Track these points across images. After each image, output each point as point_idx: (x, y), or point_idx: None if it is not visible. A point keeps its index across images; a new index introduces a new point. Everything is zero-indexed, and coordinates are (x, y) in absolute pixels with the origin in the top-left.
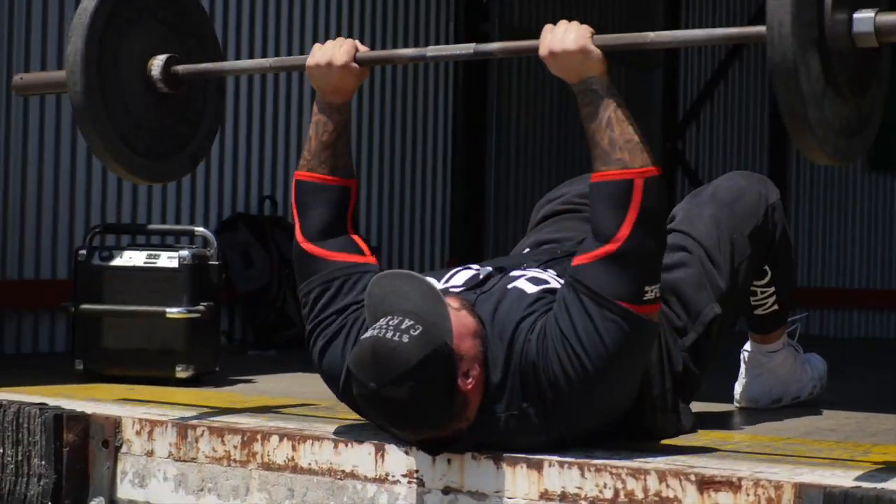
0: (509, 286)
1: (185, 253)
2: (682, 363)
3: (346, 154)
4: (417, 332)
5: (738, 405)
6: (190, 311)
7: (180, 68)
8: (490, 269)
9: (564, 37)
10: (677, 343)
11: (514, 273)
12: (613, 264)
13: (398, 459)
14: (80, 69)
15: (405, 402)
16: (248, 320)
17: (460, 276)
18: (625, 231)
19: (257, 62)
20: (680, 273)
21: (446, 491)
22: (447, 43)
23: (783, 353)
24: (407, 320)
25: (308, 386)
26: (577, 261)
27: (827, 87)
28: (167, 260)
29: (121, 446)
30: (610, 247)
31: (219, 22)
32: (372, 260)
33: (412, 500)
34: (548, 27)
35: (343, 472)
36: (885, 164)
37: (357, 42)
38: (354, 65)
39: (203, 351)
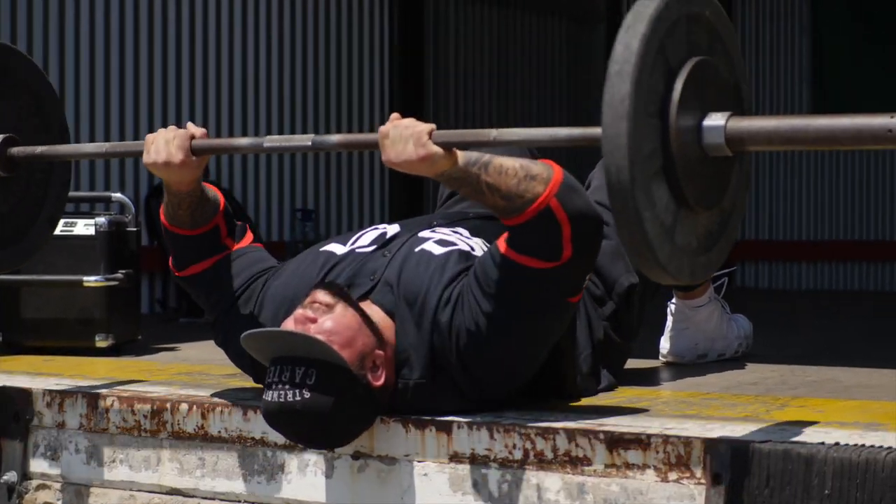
0: (416, 248)
1: (101, 220)
2: (603, 331)
3: (203, 206)
4: (313, 378)
5: (663, 360)
6: (108, 280)
7: (16, 150)
8: (398, 227)
9: (405, 148)
10: (597, 311)
11: (422, 234)
12: (557, 274)
13: None
14: None
15: (337, 436)
16: (181, 288)
17: (367, 237)
18: (567, 252)
19: (95, 146)
20: None
21: (356, 456)
22: (380, 8)
23: (709, 308)
24: (297, 369)
25: None
26: (513, 254)
27: (679, 209)
28: (83, 228)
29: (31, 419)
30: (556, 263)
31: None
32: (243, 243)
33: (322, 466)
34: (382, 131)
35: (253, 439)
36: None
37: (191, 127)
38: (192, 158)
39: (123, 319)
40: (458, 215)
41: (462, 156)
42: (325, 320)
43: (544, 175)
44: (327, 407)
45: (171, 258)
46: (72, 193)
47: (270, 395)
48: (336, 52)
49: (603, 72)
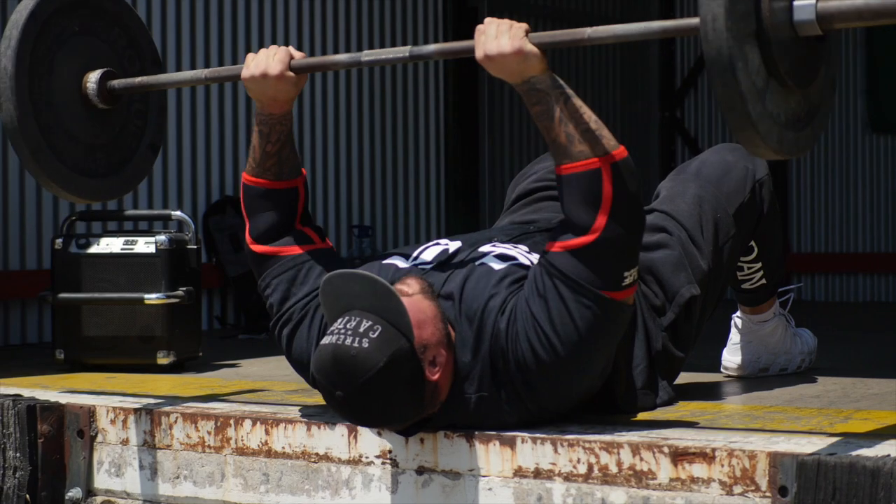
0: (477, 263)
1: (162, 238)
2: (661, 342)
3: (290, 158)
4: (377, 333)
5: (724, 373)
6: (169, 297)
7: (116, 83)
8: (459, 243)
9: (499, 40)
10: (656, 322)
11: (483, 249)
12: (590, 254)
13: (371, 441)
14: (10, 89)
15: (375, 405)
16: (238, 304)
17: (429, 252)
18: (601, 222)
19: (193, 74)
20: (659, 254)
21: (420, 471)
22: (434, 19)
23: (773, 322)
24: (365, 321)
25: (290, 369)
26: (551, 247)
27: (769, 79)
28: (144, 246)
29: (96, 435)
30: (586, 238)
31: (157, 33)
32: (324, 245)
33: (386, 480)
34: (479, 28)
35: (317, 454)
36: (886, 125)
37: (292, 49)
38: (290, 73)
39: (184, 336)
40: (519, 230)
41: (550, 73)
42: (405, 296)
43: (612, 143)
44: (378, 364)
45: (248, 229)
46: (131, 212)
47: (329, 339)
48: (392, 107)
49: (659, 87)
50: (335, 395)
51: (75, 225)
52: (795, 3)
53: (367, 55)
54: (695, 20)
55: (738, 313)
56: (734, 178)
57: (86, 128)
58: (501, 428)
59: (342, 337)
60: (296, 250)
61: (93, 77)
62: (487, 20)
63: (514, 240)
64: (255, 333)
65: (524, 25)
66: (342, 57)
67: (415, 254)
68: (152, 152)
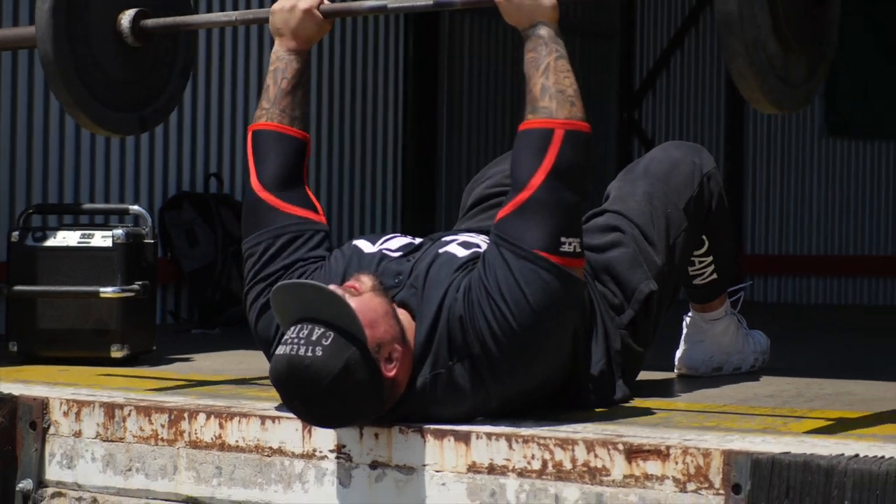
0: (440, 250)
1: (118, 232)
2: (621, 340)
3: (304, 105)
4: (329, 339)
5: (677, 372)
6: (124, 291)
7: (149, 22)
8: (423, 239)
9: None
10: (615, 321)
11: (446, 238)
12: (527, 212)
13: (325, 435)
14: (48, 24)
15: (334, 410)
16: (193, 299)
17: (395, 242)
18: (537, 179)
19: (224, 15)
20: (614, 253)
21: (374, 465)
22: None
23: (725, 321)
24: (317, 329)
25: (245, 362)
26: (498, 215)
27: (772, 34)
28: (101, 239)
29: (48, 427)
30: (523, 194)
31: None
32: (323, 220)
33: (340, 475)
34: None
35: (270, 448)
36: (842, 129)
37: None
38: (317, 12)
39: (139, 330)
40: (481, 231)
41: (557, 28)
42: (355, 297)
43: (579, 114)
44: (334, 370)
45: (254, 174)
46: (88, 206)
47: (282, 350)
48: (351, 66)
49: (618, 88)
50: (294, 403)
51: (31, 218)
52: None
53: (393, 2)
54: None
55: (690, 313)
56: (682, 173)
57: (118, 64)
58: (458, 418)
59: (295, 347)
60: (301, 212)
61: (127, 14)
62: None
63: (476, 232)
64: (209, 328)
65: None
66: (367, 3)
67: (381, 240)
68: (183, 78)
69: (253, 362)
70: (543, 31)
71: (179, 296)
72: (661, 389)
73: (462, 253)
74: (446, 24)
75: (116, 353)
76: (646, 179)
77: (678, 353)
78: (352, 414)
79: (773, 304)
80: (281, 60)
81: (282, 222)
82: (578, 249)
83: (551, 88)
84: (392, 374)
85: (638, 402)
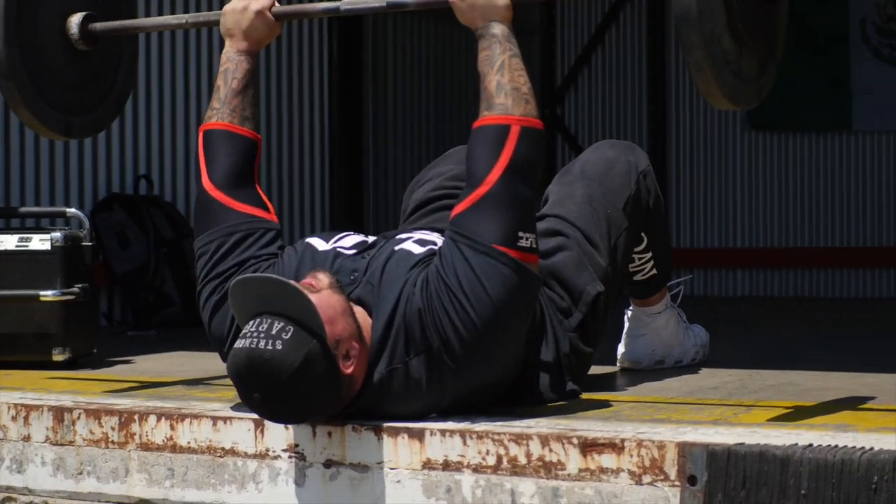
0: (396, 248)
1: (57, 234)
2: (570, 343)
3: (254, 105)
4: (289, 333)
5: (620, 366)
6: (64, 294)
7: (97, 26)
8: (377, 237)
9: None
10: (563, 324)
11: (401, 236)
12: (484, 207)
13: (278, 434)
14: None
15: (292, 405)
16: (126, 301)
17: (349, 240)
18: (495, 174)
19: (175, 18)
20: (559, 257)
21: (328, 464)
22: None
23: (665, 315)
24: (276, 323)
25: (188, 364)
26: (454, 212)
27: (727, 28)
28: (39, 242)
29: None
30: (480, 190)
31: None
32: (275, 218)
33: (293, 474)
34: None
35: (223, 449)
36: (764, 122)
37: None
38: (269, 15)
39: (79, 333)
40: (431, 228)
41: (510, 27)
42: (314, 293)
43: (532, 111)
44: (294, 364)
45: (204, 173)
46: (26, 209)
47: (242, 343)
48: (276, 66)
49: (540, 84)
50: (252, 397)
51: None
52: None
53: (346, 4)
54: None
55: (631, 307)
56: (618, 172)
57: (67, 68)
58: (412, 407)
59: (255, 340)
60: (251, 210)
61: (75, 19)
62: None
63: (432, 232)
64: (144, 330)
65: None
66: (320, 5)
67: (335, 238)
68: (117, 107)
69: (196, 363)
70: (497, 30)
71: (112, 298)
72: (606, 383)
73: (418, 250)
74: (370, 22)
75: (58, 356)
76: (583, 181)
77: (620, 348)
78: (309, 409)
79: (699, 297)
80: (231, 61)
81: (233, 220)
82: (534, 245)
83: (506, 86)
84: (349, 370)
85: (586, 396)
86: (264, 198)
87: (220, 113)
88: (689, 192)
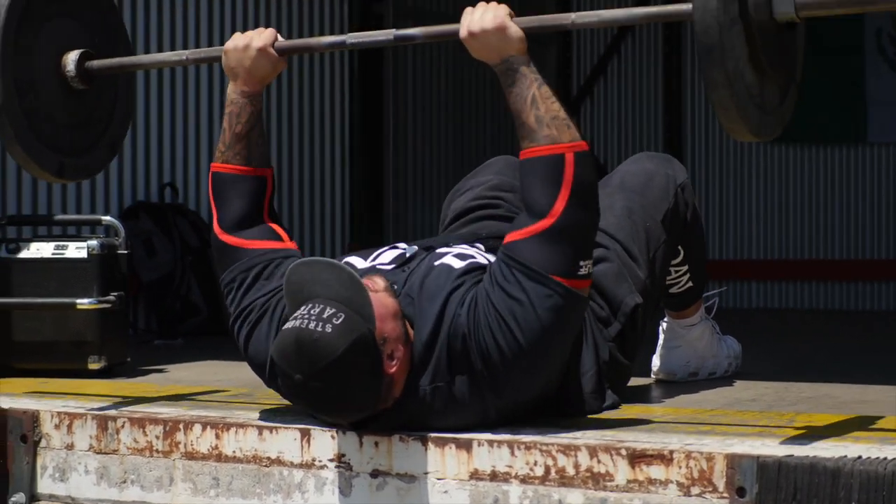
0: (436, 262)
1: (93, 243)
2: (609, 353)
3: (260, 144)
4: (340, 320)
5: (654, 377)
6: (101, 302)
7: (94, 64)
8: (416, 247)
9: (483, 17)
10: (603, 333)
11: (441, 250)
12: (548, 240)
13: (324, 444)
14: None
15: (332, 391)
16: (152, 309)
17: (387, 255)
18: (559, 206)
19: (175, 54)
20: (599, 267)
21: (375, 474)
22: (341, 25)
23: (700, 327)
24: (328, 308)
25: (221, 373)
26: (509, 237)
27: (749, 62)
28: (75, 250)
29: (39, 440)
30: (545, 222)
31: (127, 16)
32: (291, 245)
33: (340, 484)
34: (467, 10)
35: (269, 458)
36: (782, 134)
37: (277, 32)
38: (272, 51)
39: (114, 341)
40: (472, 236)
41: (528, 57)
42: (370, 291)
43: (577, 135)
44: (340, 349)
45: (216, 218)
46: (62, 216)
47: (291, 324)
48: (298, 77)
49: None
50: (294, 378)
51: (5, 230)
52: None
53: (353, 37)
54: (680, 7)
55: (666, 319)
56: (657, 185)
57: (62, 107)
58: (456, 427)
59: (305, 321)
60: (264, 244)
61: (71, 57)
62: (477, 6)
63: (470, 242)
64: (171, 339)
65: (507, 7)
66: (326, 39)
67: (373, 255)
68: (111, 151)
69: (230, 373)
70: (517, 64)
71: (137, 306)
72: (643, 395)
73: (458, 264)
74: None
75: (94, 364)
76: (622, 193)
77: (655, 360)
78: (347, 400)
79: (734, 308)
80: (235, 104)
81: (248, 256)
82: (591, 269)
83: (545, 117)
84: (392, 370)
85: (626, 408)
86: (278, 229)
87: (226, 156)
88: (704, 203)
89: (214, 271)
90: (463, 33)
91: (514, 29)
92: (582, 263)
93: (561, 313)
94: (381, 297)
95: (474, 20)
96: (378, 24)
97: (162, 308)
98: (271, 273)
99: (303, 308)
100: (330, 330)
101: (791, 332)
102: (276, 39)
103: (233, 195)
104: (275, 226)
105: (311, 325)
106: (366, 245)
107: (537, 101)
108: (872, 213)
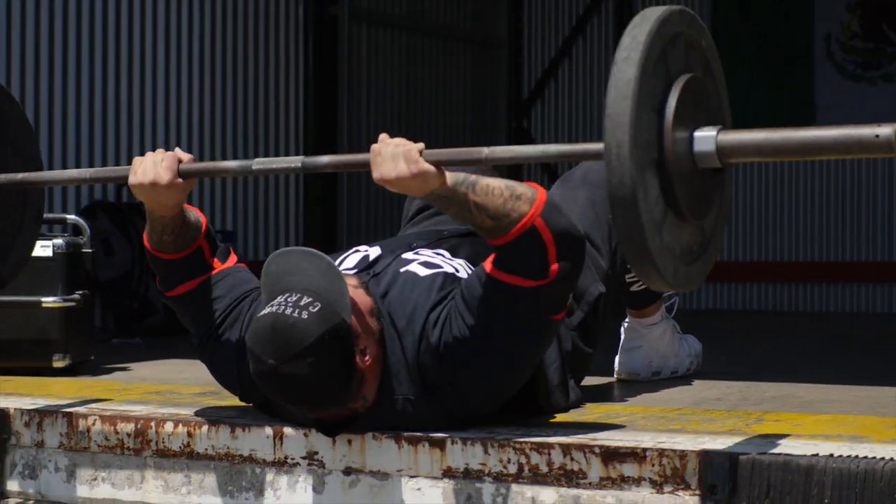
0: (401, 269)
1: (59, 241)
2: (571, 342)
3: (186, 231)
4: (316, 308)
5: (617, 377)
6: (66, 300)
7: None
8: (379, 250)
9: (397, 165)
10: (565, 322)
11: (406, 256)
12: (544, 293)
13: (297, 442)
14: None
15: (304, 378)
16: (109, 308)
17: (350, 259)
18: (553, 268)
19: (78, 172)
20: None
21: (347, 472)
22: (296, 27)
23: (661, 326)
24: (305, 297)
25: (186, 372)
26: (501, 275)
27: (667, 210)
28: (40, 249)
29: (9, 438)
30: (542, 282)
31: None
32: (230, 263)
33: (312, 482)
34: (374, 149)
35: (241, 456)
36: None
37: (179, 152)
38: (179, 181)
39: (78, 340)
40: (434, 234)
41: (450, 176)
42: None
43: (529, 195)
44: (314, 335)
45: (157, 280)
46: None
47: (268, 310)
48: (254, 76)
49: (507, 97)
50: (266, 363)
51: None
52: (696, 133)
53: (258, 163)
54: (597, 146)
55: (627, 319)
56: None
57: None
58: (427, 430)
59: (282, 307)
60: (207, 274)
61: None
62: (381, 140)
63: (433, 244)
64: (129, 338)
65: (419, 146)
66: (232, 164)
67: (336, 261)
68: (22, 261)
69: (194, 371)
70: (444, 192)
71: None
72: (607, 394)
73: (424, 272)
74: (345, 35)
75: (58, 362)
76: (585, 187)
77: (618, 359)
78: (318, 389)
79: (689, 310)
80: (156, 222)
81: (198, 288)
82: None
83: (497, 211)
84: (365, 365)
85: (593, 407)
86: (215, 263)
87: (156, 245)
88: None
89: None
90: (376, 176)
91: (430, 170)
92: (569, 296)
93: (540, 339)
94: (358, 293)
95: (387, 168)
96: (333, 26)
97: (119, 307)
98: (226, 293)
99: (280, 297)
100: (306, 316)
101: (755, 332)
102: (178, 164)
103: (170, 272)
104: (212, 260)
105: (288, 311)
106: (320, 244)
107: (481, 205)
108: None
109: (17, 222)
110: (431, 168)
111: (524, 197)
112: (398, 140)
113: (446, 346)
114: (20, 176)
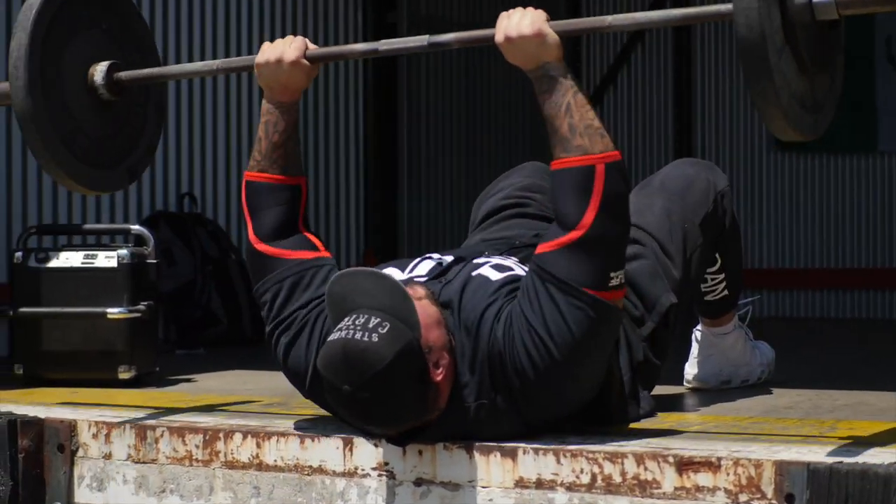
0: (473, 273)
1: (123, 252)
2: (642, 352)
3: (295, 153)
4: (386, 329)
5: (687, 386)
6: (131, 311)
7: (123, 74)
8: (451, 257)
9: (520, 22)
10: (636, 332)
11: (477, 260)
12: (579, 251)
13: (367, 452)
14: (23, 64)
15: (380, 401)
16: (171, 319)
17: (423, 266)
18: (589, 217)
19: (205, 64)
20: (635, 265)
21: (418, 483)
22: (355, 34)
23: (734, 335)
24: (374, 318)
25: (251, 383)
26: (541, 248)
27: (792, 60)
28: (105, 260)
29: (77, 450)
30: (574, 234)
31: (158, 31)
32: (326, 254)
33: (383, 493)
34: (503, 14)
35: (311, 467)
36: (790, 143)
37: (307, 40)
38: (304, 61)
39: (143, 351)
40: (506, 244)
41: (564, 63)
42: (413, 299)
43: (610, 144)
44: (388, 358)
45: (251, 228)
46: (91, 226)
47: (337, 335)
48: (312, 83)
49: None
50: (342, 389)
51: (32, 238)
52: None
53: (385, 44)
54: (719, 7)
55: (699, 326)
56: (698, 189)
57: (93, 119)
58: (500, 437)
59: (351, 332)
60: (301, 255)
61: (100, 68)
62: (512, 10)
63: (504, 254)
64: (191, 348)
65: (544, 13)
66: (358, 46)
67: (410, 266)
68: (148, 154)
69: (258, 382)
70: (553, 71)
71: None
72: (678, 403)
73: (496, 276)
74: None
75: (124, 374)
76: (662, 195)
77: (688, 367)
78: (396, 410)
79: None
80: (271, 114)
81: (283, 266)
82: (623, 281)
83: (579, 126)
84: (438, 378)
85: (664, 416)
86: (313, 238)
87: (262, 165)
88: (757, 214)
89: (234, 282)
90: (499, 38)
91: (552, 35)
92: (613, 275)
93: (593, 325)
94: (423, 304)
95: (511, 25)
96: (391, 33)
97: (182, 318)
98: (309, 283)
99: (347, 319)
100: (376, 339)
101: (813, 340)
102: (306, 48)
103: (269, 205)
104: (310, 235)
105: (358, 336)
106: (381, 251)
107: (572, 110)
108: (885, 222)
109: (141, 116)
110: (553, 33)
111: (606, 140)
112: (528, 7)
113: (511, 346)
114: (145, 72)
